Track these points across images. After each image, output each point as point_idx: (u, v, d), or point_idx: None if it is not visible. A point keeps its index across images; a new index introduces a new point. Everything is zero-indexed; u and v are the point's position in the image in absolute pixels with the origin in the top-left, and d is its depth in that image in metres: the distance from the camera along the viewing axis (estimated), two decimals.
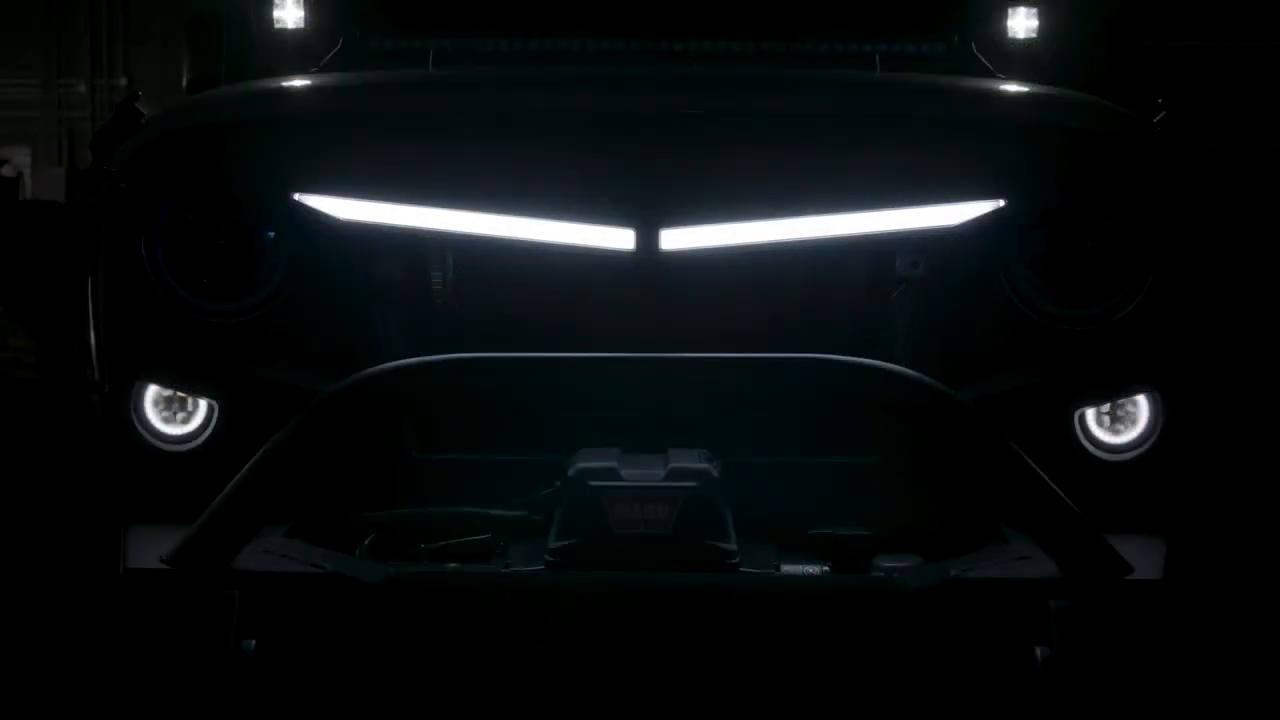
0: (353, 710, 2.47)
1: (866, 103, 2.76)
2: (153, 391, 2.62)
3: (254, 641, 2.38)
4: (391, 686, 2.44)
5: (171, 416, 2.62)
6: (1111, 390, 2.59)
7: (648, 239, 2.48)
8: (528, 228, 2.52)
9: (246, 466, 2.35)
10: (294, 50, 3.67)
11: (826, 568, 2.51)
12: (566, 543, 2.37)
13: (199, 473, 2.53)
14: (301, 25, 3.70)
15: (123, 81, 17.15)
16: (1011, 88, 3.21)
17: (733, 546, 2.38)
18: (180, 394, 2.62)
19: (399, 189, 2.55)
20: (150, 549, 2.44)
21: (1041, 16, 3.74)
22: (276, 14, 3.70)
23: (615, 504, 2.35)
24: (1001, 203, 2.54)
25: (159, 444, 2.61)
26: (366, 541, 2.58)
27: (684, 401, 2.54)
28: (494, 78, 3.22)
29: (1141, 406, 2.60)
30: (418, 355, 2.44)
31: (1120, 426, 2.61)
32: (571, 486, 2.38)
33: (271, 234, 2.62)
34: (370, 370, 2.39)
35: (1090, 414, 2.60)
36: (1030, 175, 2.57)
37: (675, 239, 2.49)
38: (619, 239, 2.49)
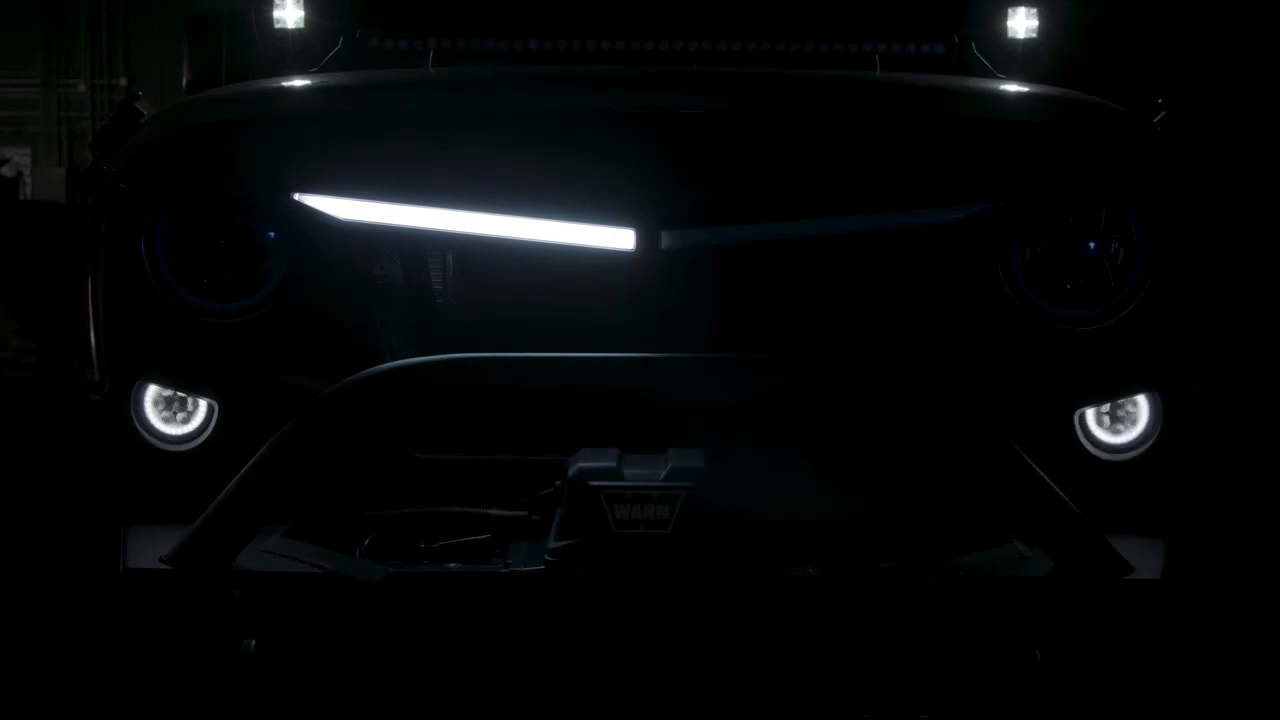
0: (353, 710, 2.47)
1: (867, 103, 2.76)
2: (153, 391, 2.62)
3: (254, 641, 2.38)
4: (391, 686, 2.45)
5: (171, 416, 2.62)
6: (1111, 390, 2.59)
7: (648, 239, 2.48)
8: (528, 228, 2.52)
9: (246, 466, 2.35)
10: (294, 50, 3.68)
11: (826, 568, 2.51)
12: (566, 543, 2.37)
13: (199, 473, 2.53)
14: (301, 25, 3.71)
15: (123, 81, 17.18)
16: (1011, 88, 3.21)
17: (733, 546, 2.38)
18: (180, 394, 2.62)
19: (399, 189, 2.55)
20: (150, 549, 2.44)
21: (1041, 16, 3.74)
22: (276, 14, 3.71)
23: (615, 504, 2.35)
24: (1001, 203, 2.54)
25: (159, 444, 2.61)
26: (366, 541, 2.58)
27: (684, 401, 2.54)
28: (494, 77, 3.22)
29: (1141, 406, 2.60)
30: (418, 355, 2.44)
31: (1120, 426, 2.61)
32: (571, 486, 2.38)
33: (271, 234, 2.62)
34: (370, 370, 2.39)
35: (1090, 414, 2.60)
36: (1030, 175, 2.57)
37: (675, 239, 2.49)
38: (619, 239, 2.49)
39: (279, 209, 2.59)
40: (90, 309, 2.60)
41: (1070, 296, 2.59)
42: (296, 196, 2.55)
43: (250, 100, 2.91)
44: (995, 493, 2.44)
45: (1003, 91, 3.13)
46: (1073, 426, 2.59)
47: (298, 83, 3.16)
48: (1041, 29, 3.75)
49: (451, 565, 2.51)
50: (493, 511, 2.59)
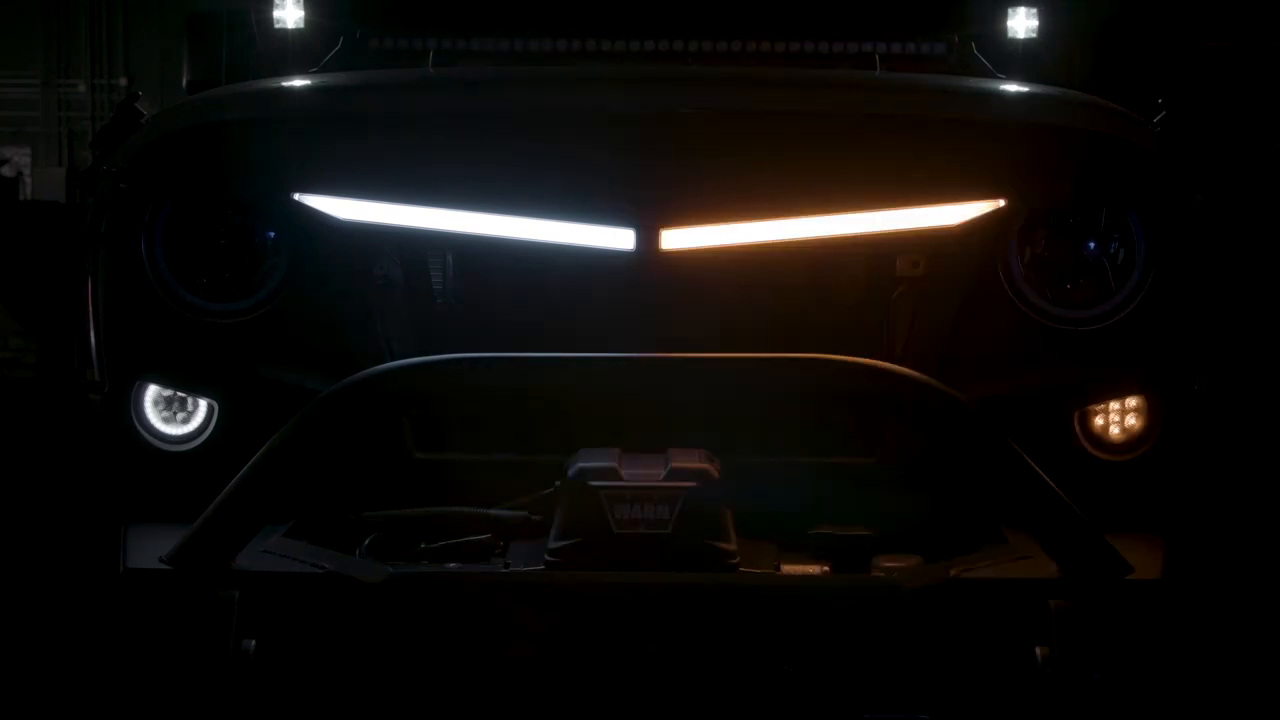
0: (353, 710, 2.47)
1: (867, 103, 2.76)
2: (153, 391, 2.62)
3: (254, 641, 2.38)
4: (391, 686, 2.44)
5: (171, 416, 2.62)
6: (1111, 390, 2.59)
7: (648, 239, 2.48)
8: (528, 227, 2.52)
9: (246, 466, 2.35)
10: (294, 50, 3.68)
11: (826, 568, 2.51)
12: (566, 543, 2.37)
13: (199, 473, 2.54)
14: (301, 25, 3.71)
15: (123, 81, 17.18)
16: (1012, 88, 3.21)
17: (733, 546, 2.38)
18: (180, 394, 2.62)
19: (399, 189, 2.55)
20: (150, 549, 2.44)
21: (1041, 16, 3.75)
22: (276, 14, 3.71)
23: (615, 504, 2.35)
24: (1001, 203, 2.54)
25: (159, 444, 2.61)
26: (366, 541, 2.58)
27: (684, 401, 2.54)
28: (494, 77, 3.22)
29: (1142, 407, 2.60)
30: (418, 355, 2.44)
31: (1120, 426, 2.61)
32: (571, 486, 2.38)
33: (271, 234, 2.62)
34: (370, 370, 2.39)
35: (1090, 414, 2.60)
36: (1030, 175, 2.57)
37: (675, 239, 2.49)
38: (619, 239, 2.49)
39: (279, 209, 2.59)
40: (90, 309, 2.60)
41: (1070, 296, 2.59)
42: (296, 196, 2.55)
43: (250, 100, 2.91)
44: (995, 492, 2.44)
45: (1003, 91, 3.13)
46: (1073, 426, 2.59)
47: (298, 83, 3.16)
48: (1041, 29, 3.75)
49: (451, 565, 2.51)
50: (493, 511, 2.59)
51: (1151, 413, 2.60)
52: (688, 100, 2.60)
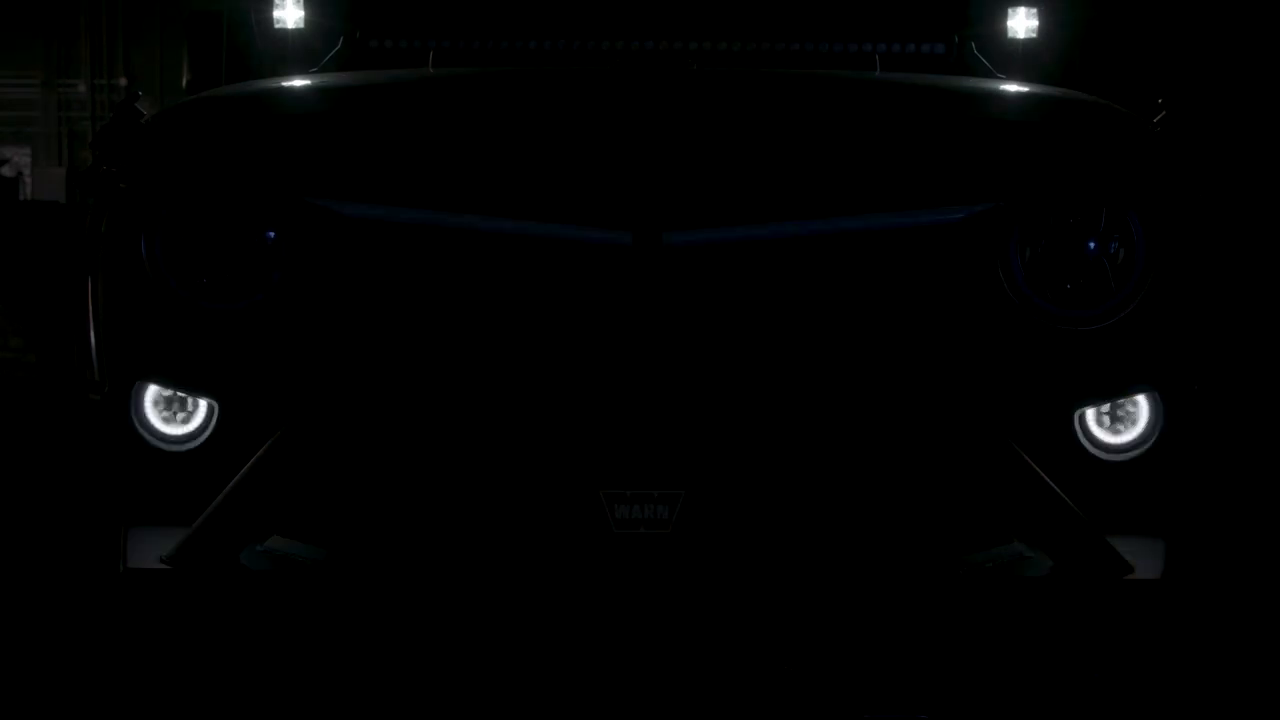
0: (353, 710, 2.47)
1: (866, 102, 2.76)
2: (153, 391, 2.62)
3: (254, 641, 2.38)
4: (392, 685, 2.45)
5: (171, 416, 2.62)
6: (1111, 390, 2.59)
7: (646, 239, 2.48)
8: (527, 227, 2.52)
9: (246, 466, 2.35)
10: (294, 50, 3.68)
11: (826, 567, 2.51)
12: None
13: (199, 473, 2.53)
14: (301, 25, 3.71)
15: (123, 81, 17.19)
16: (1012, 88, 3.21)
17: (733, 546, 2.38)
18: (180, 394, 2.62)
19: (399, 189, 2.55)
20: (150, 549, 2.44)
21: (1041, 16, 3.75)
22: (276, 14, 3.71)
23: (615, 504, 2.35)
24: (1001, 203, 2.54)
25: (159, 444, 2.61)
26: (368, 541, 2.58)
27: (685, 402, 2.54)
28: (494, 77, 3.22)
29: (1141, 406, 2.60)
30: (418, 354, 2.44)
31: (1120, 426, 2.61)
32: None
33: (272, 233, 2.62)
34: (369, 371, 2.39)
35: (1090, 414, 2.60)
36: (1030, 175, 2.57)
37: (675, 239, 2.49)
38: (619, 239, 2.49)
39: (279, 208, 2.59)
40: (90, 309, 2.60)
41: (1070, 296, 2.59)
42: (296, 196, 2.55)
43: (250, 100, 2.91)
44: (996, 493, 2.44)
45: (1003, 91, 3.13)
46: (1073, 427, 2.59)
47: (298, 83, 3.16)
48: (1041, 29, 3.75)
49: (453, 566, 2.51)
50: None
51: (1152, 413, 2.60)
52: (688, 100, 2.60)
